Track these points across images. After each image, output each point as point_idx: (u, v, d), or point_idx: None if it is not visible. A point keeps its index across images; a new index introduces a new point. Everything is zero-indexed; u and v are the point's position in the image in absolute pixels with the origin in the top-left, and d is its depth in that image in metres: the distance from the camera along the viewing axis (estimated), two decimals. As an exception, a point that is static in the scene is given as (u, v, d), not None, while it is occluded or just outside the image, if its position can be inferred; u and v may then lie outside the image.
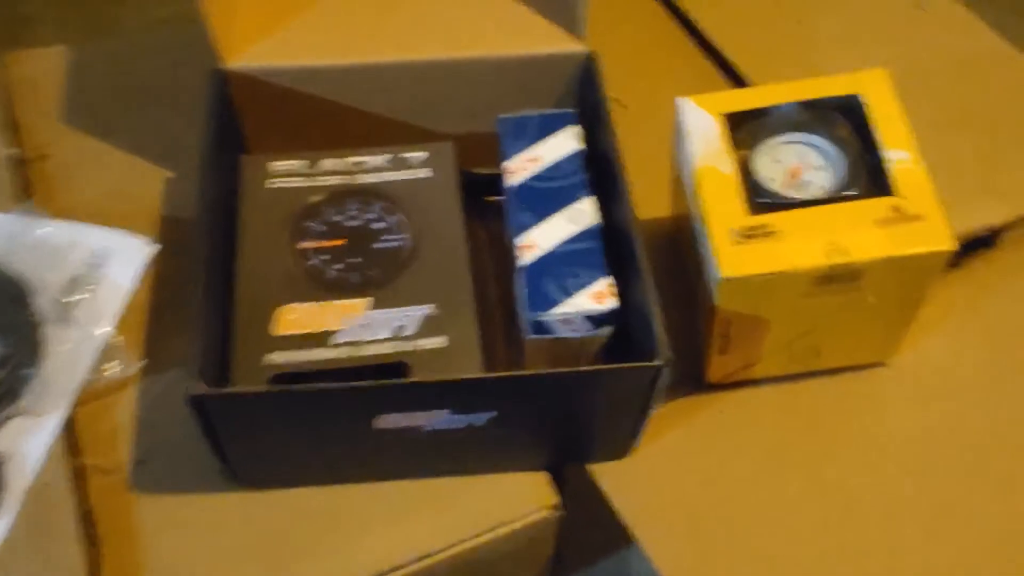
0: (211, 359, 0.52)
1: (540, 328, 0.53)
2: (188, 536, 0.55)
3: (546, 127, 0.60)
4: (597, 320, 0.53)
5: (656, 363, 0.49)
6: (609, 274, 0.54)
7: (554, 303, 0.53)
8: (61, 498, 0.55)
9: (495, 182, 0.61)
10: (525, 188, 0.58)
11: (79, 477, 0.57)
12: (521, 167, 0.59)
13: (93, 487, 0.57)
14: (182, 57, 0.76)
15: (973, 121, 0.76)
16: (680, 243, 0.64)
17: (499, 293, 0.64)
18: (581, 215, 0.56)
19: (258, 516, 0.56)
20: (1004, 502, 0.58)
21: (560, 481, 0.59)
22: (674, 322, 0.61)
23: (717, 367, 0.60)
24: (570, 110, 0.61)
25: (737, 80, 0.79)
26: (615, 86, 0.78)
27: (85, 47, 0.79)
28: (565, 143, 0.59)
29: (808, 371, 0.62)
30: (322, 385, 0.49)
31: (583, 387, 0.51)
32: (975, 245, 0.70)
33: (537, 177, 0.58)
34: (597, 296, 0.53)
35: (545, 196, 0.57)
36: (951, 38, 0.82)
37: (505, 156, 0.59)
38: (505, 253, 0.61)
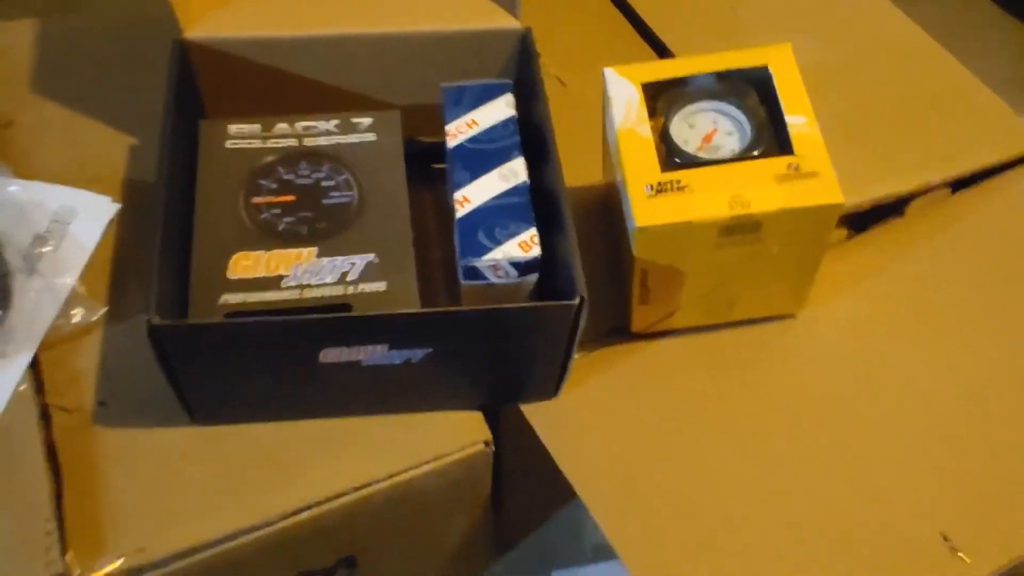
0: (170, 299, 0.56)
1: (472, 274, 0.58)
2: (144, 469, 0.60)
3: (484, 95, 0.65)
4: (523, 267, 0.58)
5: (574, 302, 0.54)
6: (534, 226, 0.59)
7: (484, 250, 0.58)
8: (28, 434, 0.59)
9: (441, 150, 0.66)
10: (462, 149, 0.63)
11: (43, 416, 0.61)
12: (459, 130, 0.63)
13: (56, 425, 0.61)
14: (145, 30, 0.80)
15: (889, 101, 0.82)
16: (611, 207, 0.69)
17: (441, 253, 0.69)
18: (512, 174, 0.61)
19: (210, 450, 0.60)
20: (899, 442, 0.63)
21: (496, 426, 0.64)
22: (603, 279, 0.67)
23: (640, 317, 0.66)
24: (507, 80, 0.66)
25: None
26: (557, 65, 0.84)
27: (52, 20, 0.83)
28: (500, 110, 0.64)
29: (724, 322, 0.67)
30: (270, 318, 0.53)
31: (509, 323, 0.56)
32: (885, 213, 0.76)
33: (473, 139, 0.63)
34: (523, 245, 0.58)
35: (480, 156, 0.62)
36: (874, 26, 0.89)
37: (446, 121, 0.64)
38: (449, 216, 0.66)
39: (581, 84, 0.83)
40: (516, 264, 0.58)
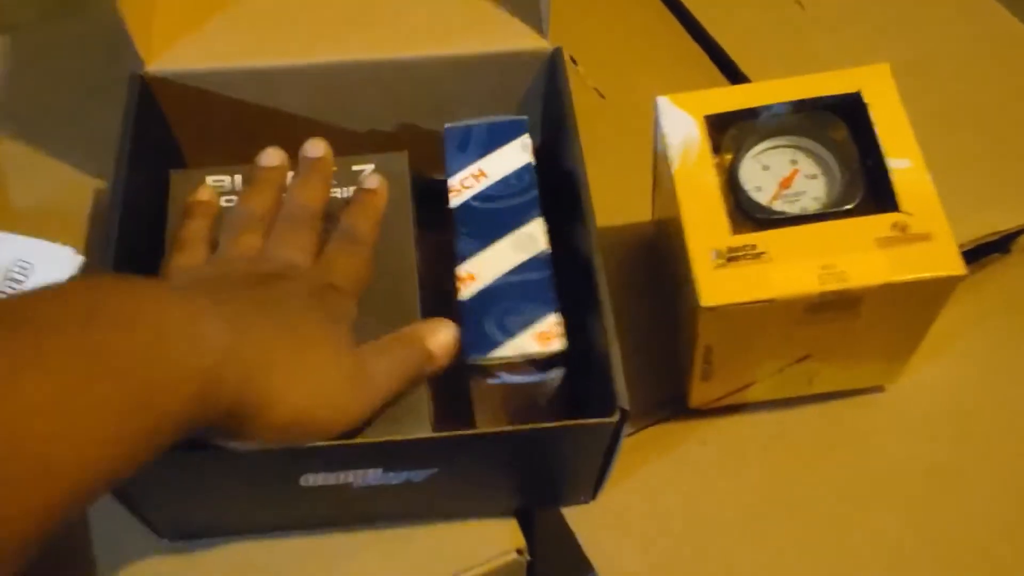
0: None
1: (480, 373, 0.47)
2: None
3: (495, 137, 0.53)
4: (543, 364, 0.47)
5: (612, 419, 0.43)
6: (558, 309, 0.47)
7: (494, 345, 0.46)
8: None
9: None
10: (468, 209, 0.51)
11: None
12: (464, 184, 0.51)
13: None
14: (117, 50, 0.69)
15: (986, 114, 0.68)
16: (662, 249, 0.58)
17: (457, 311, 0.58)
18: (529, 241, 0.49)
19: (187, 571, 0.50)
20: (1004, 544, 0.52)
21: (528, 518, 0.54)
22: (656, 339, 0.56)
23: (699, 394, 0.54)
24: (522, 117, 0.54)
25: (727, 66, 0.72)
26: (595, 74, 0.72)
27: (17, 37, 0.72)
28: (515, 155, 0.52)
29: (801, 395, 0.56)
30: (232, 452, 0.42)
31: (532, 444, 0.45)
32: (986, 251, 0.64)
33: (481, 196, 0.51)
34: (542, 337, 0.46)
35: (490, 218, 0.50)
36: (966, 21, 0.74)
37: (449, 172, 0.52)
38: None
39: (623, 97, 0.70)
40: (535, 361, 0.47)
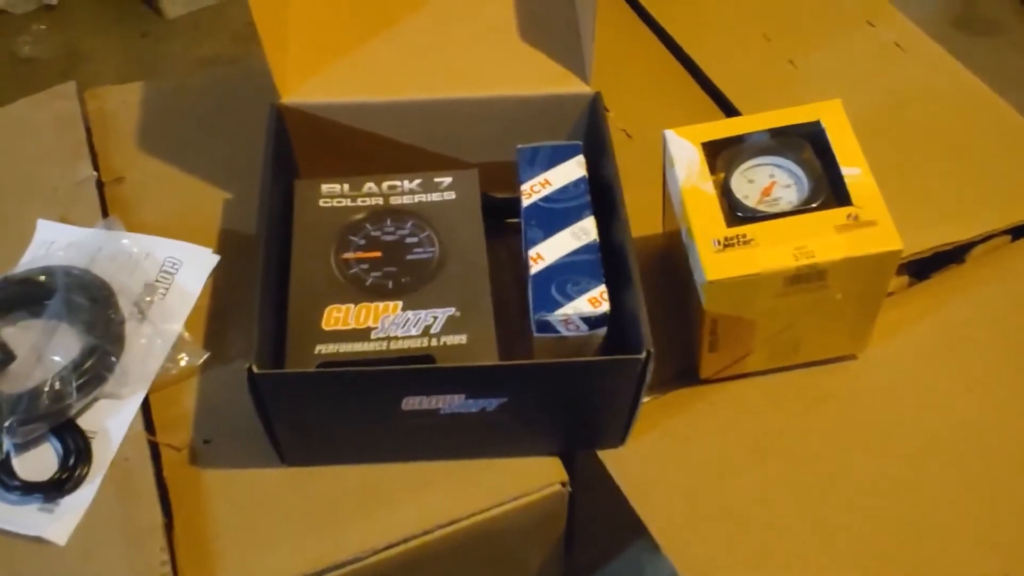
0: (267, 348, 0.61)
1: (544, 327, 0.62)
2: (244, 504, 0.64)
3: (557, 156, 0.69)
4: (592, 321, 0.62)
5: (640, 356, 0.58)
6: (604, 283, 0.63)
7: (556, 305, 0.62)
8: (141, 469, 0.65)
9: (515, 205, 0.71)
10: (536, 208, 0.67)
11: (154, 453, 0.66)
12: (533, 190, 0.68)
13: (165, 461, 0.66)
14: (234, 93, 0.87)
15: (947, 150, 0.84)
16: (672, 255, 0.73)
17: (517, 300, 0.73)
18: (583, 232, 0.65)
19: (305, 488, 0.65)
20: (957, 479, 0.65)
21: (571, 472, 0.67)
22: (669, 325, 0.70)
23: (708, 364, 0.69)
24: (578, 142, 0.70)
25: (731, 113, 0.88)
26: (623, 118, 0.88)
27: (152, 85, 0.90)
28: (572, 170, 0.68)
29: (789, 365, 0.70)
30: (358, 368, 0.58)
31: (579, 375, 0.60)
32: (945, 261, 0.78)
33: (546, 199, 0.67)
34: (593, 301, 0.62)
35: (553, 215, 0.66)
36: (929, 76, 0.90)
37: (521, 180, 0.69)
38: (523, 267, 0.70)
39: (646, 137, 0.86)
40: (586, 319, 0.62)
